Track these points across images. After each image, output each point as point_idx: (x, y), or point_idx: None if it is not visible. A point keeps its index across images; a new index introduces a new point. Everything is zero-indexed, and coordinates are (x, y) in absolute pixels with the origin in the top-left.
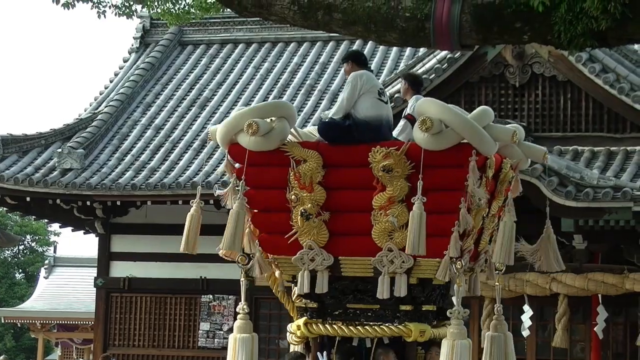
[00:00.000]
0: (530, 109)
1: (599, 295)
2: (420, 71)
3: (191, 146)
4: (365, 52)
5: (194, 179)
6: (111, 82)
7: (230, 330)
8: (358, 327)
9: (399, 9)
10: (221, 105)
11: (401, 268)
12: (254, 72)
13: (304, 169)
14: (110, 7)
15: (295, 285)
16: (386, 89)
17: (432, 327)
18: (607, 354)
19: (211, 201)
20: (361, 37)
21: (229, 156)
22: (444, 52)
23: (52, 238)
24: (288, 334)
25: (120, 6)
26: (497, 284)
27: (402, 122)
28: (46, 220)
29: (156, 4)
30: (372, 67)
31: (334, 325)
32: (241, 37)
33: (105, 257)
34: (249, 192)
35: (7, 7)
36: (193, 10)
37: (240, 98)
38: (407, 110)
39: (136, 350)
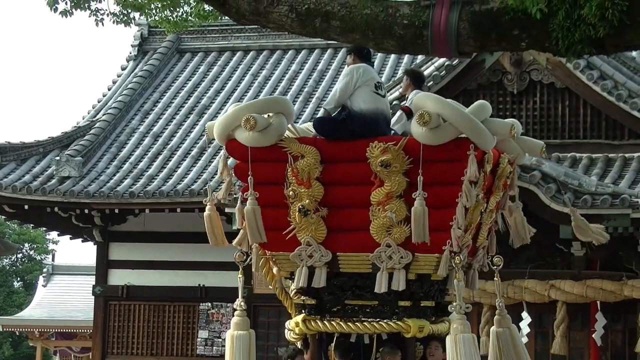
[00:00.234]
0: (529, 116)
1: (598, 302)
2: None
3: (189, 154)
4: None
5: (192, 187)
6: (109, 89)
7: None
8: (357, 323)
9: (396, 16)
10: (219, 113)
11: (399, 264)
12: (251, 79)
13: (301, 165)
14: (108, 14)
15: (294, 282)
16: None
17: (430, 322)
18: None
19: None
20: (359, 44)
21: (226, 152)
22: (441, 60)
23: (51, 246)
24: (286, 330)
25: (118, 14)
26: (496, 279)
27: (398, 113)
28: (44, 229)
29: (154, 11)
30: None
31: (333, 322)
32: (239, 44)
33: (104, 265)
34: (246, 188)
35: (5, 15)
36: (191, 18)
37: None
38: (406, 103)
39: (134, 359)
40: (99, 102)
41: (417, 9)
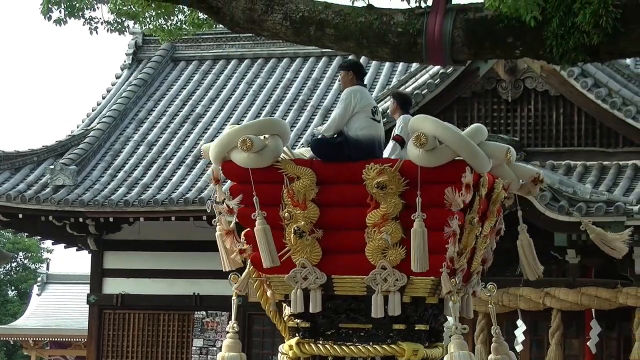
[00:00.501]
0: (523, 124)
1: (593, 310)
2: (412, 86)
3: (184, 162)
4: None
5: (187, 195)
6: (103, 98)
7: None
8: (350, 347)
9: (391, 24)
10: (214, 121)
11: (394, 286)
12: (246, 88)
13: (297, 186)
14: (102, 23)
15: (288, 305)
16: (378, 104)
17: (425, 347)
18: None
19: (204, 217)
20: (353, 52)
21: (221, 173)
22: (436, 67)
23: (45, 255)
24: (279, 354)
25: (112, 22)
26: (490, 305)
27: (391, 144)
28: (39, 237)
29: (148, 20)
30: (365, 82)
31: (327, 345)
32: (233, 53)
33: (98, 273)
34: (242, 209)
35: None
36: (185, 27)
37: (233, 114)
38: (395, 131)
39: None
40: (93, 110)
41: (412, 17)
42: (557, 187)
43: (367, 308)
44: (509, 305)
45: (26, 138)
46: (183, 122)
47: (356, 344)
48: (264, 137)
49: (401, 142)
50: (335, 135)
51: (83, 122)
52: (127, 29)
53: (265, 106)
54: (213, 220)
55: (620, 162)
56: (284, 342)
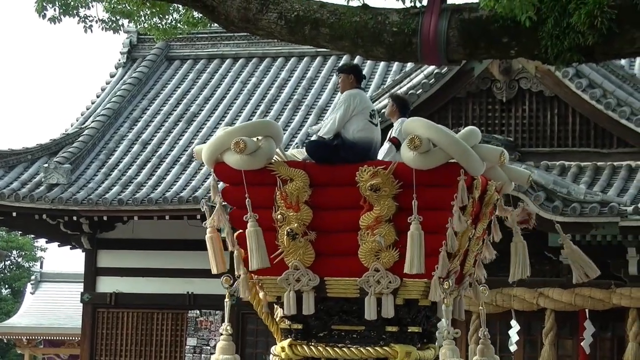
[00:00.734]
0: (517, 124)
1: (586, 310)
2: (407, 86)
3: (178, 161)
4: None
5: (181, 194)
6: (98, 97)
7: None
8: (343, 348)
9: (386, 23)
10: (208, 120)
11: (388, 288)
12: (241, 87)
13: (290, 188)
14: (96, 21)
15: (280, 307)
16: (373, 104)
17: (417, 349)
18: None
19: (198, 216)
20: (348, 51)
21: (214, 176)
22: (431, 67)
23: (39, 253)
24: (271, 356)
25: (106, 21)
26: (481, 307)
27: (386, 145)
28: (32, 236)
29: (143, 18)
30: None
31: (319, 347)
32: (228, 52)
33: (92, 272)
34: (235, 211)
35: None
36: (180, 25)
37: (228, 113)
38: (392, 133)
39: None
40: (87, 109)
41: (407, 17)
42: (551, 187)
43: (359, 310)
44: (502, 305)
45: (20, 136)
46: (177, 121)
47: (349, 346)
48: (257, 139)
49: (397, 144)
50: (332, 138)
51: (77, 121)
52: (121, 28)
53: (260, 105)
54: (204, 223)
55: (615, 163)
56: (277, 343)
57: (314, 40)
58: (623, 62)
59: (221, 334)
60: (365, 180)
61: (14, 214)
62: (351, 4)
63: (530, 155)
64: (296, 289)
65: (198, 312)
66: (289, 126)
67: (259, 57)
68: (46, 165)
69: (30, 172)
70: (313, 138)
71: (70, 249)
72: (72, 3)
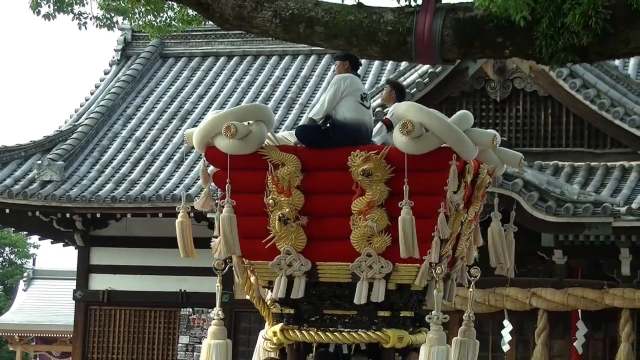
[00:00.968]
0: (511, 124)
1: (579, 311)
2: None
3: (172, 159)
4: None
5: (175, 192)
6: (92, 94)
7: None
8: (335, 333)
9: (380, 22)
10: (202, 118)
11: (380, 273)
12: (235, 85)
13: (282, 173)
14: (91, 18)
15: (272, 291)
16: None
17: (409, 333)
18: None
19: (192, 214)
20: (343, 50)
21: (205, 159)
22: (425, 66)
23: (31, 250)
24: (263, 340)
25: (101, 18)
26: (470, 290)
27: (378, 125)
28: (25, 233)
29: (137, 16)
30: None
31: (311, 332)
32: (222, 50)
33: (85, 269)
34: (225, 196)
35: None
36: (175, 23)
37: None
38: (387, 116)
39: None
40: (81, 106)
41: (401, 16)
42: (544, 187)
43: (351, 295)
44: (495, 305)
45: (14, 133)
46: (171, 119)
47: (341, 331)
48: (248, 123)
49: (389, 125)
50: (322, 122)
51: (71, 118)
52: (116, 25)
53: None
54: (177, 208)
55: (608, 163)
56: (266, 328)
57: (308, 39)
58: (617, 62)
59: (212, 319)
60: (357, 165)
61: (7, 210)
62: (346, 2)
63: (523, 155)
64: (288, 273)
65: (191, 310)
66: (283, 124)
67: (253, 55)
68: (39, 162)
69: (23, 169)
70: (303, 122)
71: (63, 246)
72: (66, 0)
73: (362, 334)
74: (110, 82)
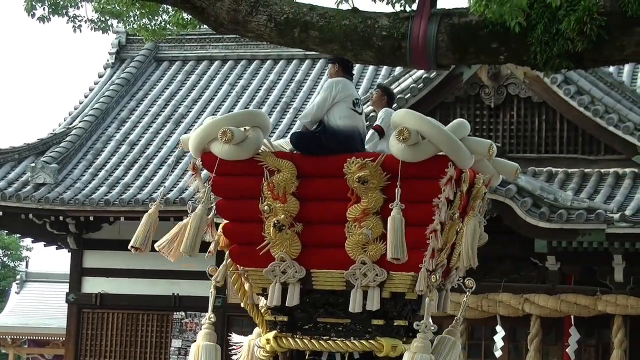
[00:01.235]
0: (505, 130)
1: (572, 317)
2: (396, 90)
3: (165, 162)
4: None
5: (168, 196)
6: (86, 97)
7: None
8: (328, 341)
9: (375, 27)
10: (196, 122)
11: (374, 281)
12: (229, 89)
13: (277, 179)
14: (85, 21)
15: (266, 298)
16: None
17: (403, 342)
18: None
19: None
20: (337, 55)
21: (200, 165)
22: (419, 72)
23: (24, 253)
24: (256, 347)
25: (95, 21)
26: (464, 299)
27: (370, 132)
28: (18, 235)
29: (132, 19)
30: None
31: (304, 340)
32: (217, 54)
33: (78, 272)
34: (220, 202)
35: None
36: (169, 27)
37: (216, 115)
38: (377, 122)
39: None
40: (75, 109)
41: (396, 21)
42: (538, 193)
43: (345, 303)
44: (488, 310)
45: (7, 135)
46: (165, 122)
47: (334, 339)
48: (245, 129)
49: (380, 132)
50: (314, 127)
51: (65, 121)
52: (110, 28)
53: (248, 107)
54: (150, 203)
55: (602, 170)
56: (254, 334)
57: (303, 43)
58: (611, 69)
59: (203, 323)
60: (353, 172)
61: (0, 213)
62: (341, 7)
63: (517, 161)
64: (282, 280)
65: (183, 313)
66: (277, 129)
67: (247, 59)
68: (33, 164)
69: (17, 172)
70: (296, 127)
71: (56, 249)
72: (61, 3)
73: (355, 342)
74: (104, 85)
